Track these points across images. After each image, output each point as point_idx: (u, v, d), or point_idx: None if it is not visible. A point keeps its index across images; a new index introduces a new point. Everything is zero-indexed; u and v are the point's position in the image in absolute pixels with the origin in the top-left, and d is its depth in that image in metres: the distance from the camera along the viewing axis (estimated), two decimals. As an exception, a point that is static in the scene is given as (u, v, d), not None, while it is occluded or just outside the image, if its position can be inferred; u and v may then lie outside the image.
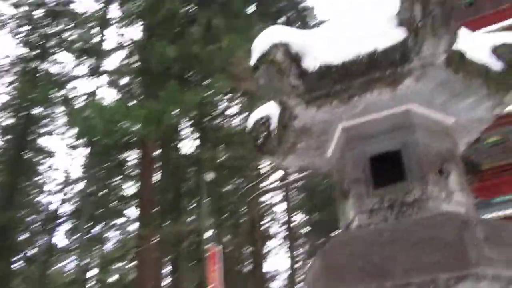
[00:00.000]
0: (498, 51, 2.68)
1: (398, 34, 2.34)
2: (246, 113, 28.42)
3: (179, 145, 26.24)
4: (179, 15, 16.89)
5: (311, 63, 2.53)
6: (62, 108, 22.32)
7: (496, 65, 2.61)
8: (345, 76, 2.41)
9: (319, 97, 2.50)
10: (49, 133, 25.84)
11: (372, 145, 2.63)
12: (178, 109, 15.09)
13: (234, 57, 15.51)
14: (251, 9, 23.85)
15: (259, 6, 24.34)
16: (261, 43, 2.60)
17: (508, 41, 2.73)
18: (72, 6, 21.39)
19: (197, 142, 25.55)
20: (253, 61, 2.60)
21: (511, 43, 2.71)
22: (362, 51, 2.40)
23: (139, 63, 18.85)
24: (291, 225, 31.66)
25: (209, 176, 17.65)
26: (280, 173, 27.61)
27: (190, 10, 18.34)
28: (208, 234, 18.31)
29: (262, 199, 29.59)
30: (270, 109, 3.11)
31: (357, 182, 2.62)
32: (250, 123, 3.19)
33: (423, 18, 2.17)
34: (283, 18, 27.63)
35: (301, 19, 26.46)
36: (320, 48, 2.60)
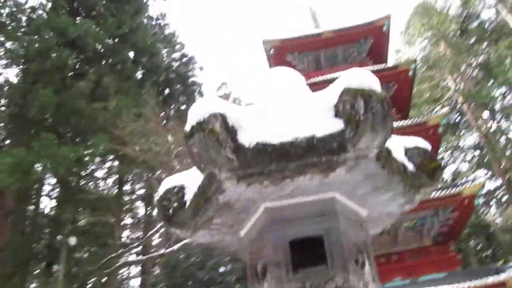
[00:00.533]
0: (409, 153, 2.91)
1: (336, 124, 2.43)
2: (115, 178, 27.25)
3: (38, 202, 24.15)
4: (68, 67, 16.15)
5: (246, 139, 2.51)
6: None
7: (409, 165, 2.82)
8: (282, 157, 2.41)
9: (252, 174, 2.46)
10: None
11: (295, 228, 2.62)
12: (49, 163, 14.00)
13: (119, 118, 15.05)
14: (140, 74, 23.68)
15: (148, 72, 24.27)
16: (198, 111, 2.54)
17: (419, 145, 2.98)
18: None
19: (59, 201, 23.77)
20: (188, 127, 2.51)
21: (420, 147, 2.97)
22: (300, 135, 2.44)
23: (11, 107, 17.35)
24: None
25: (71, 240, 16.25)
26: (141, 246, 26.52)
27: (80, 64, 17.66)
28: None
29: (120, 271, 27.90)
30: (183, 179, 3.00)
31: (276, 265, 2.56)
32: (161, 191, 3.03)
33: (365, 112, 2.30)
34: (169, 89, 27.85)
35: (188, 93, 26.83)
36: (255, 125, 2.60)
